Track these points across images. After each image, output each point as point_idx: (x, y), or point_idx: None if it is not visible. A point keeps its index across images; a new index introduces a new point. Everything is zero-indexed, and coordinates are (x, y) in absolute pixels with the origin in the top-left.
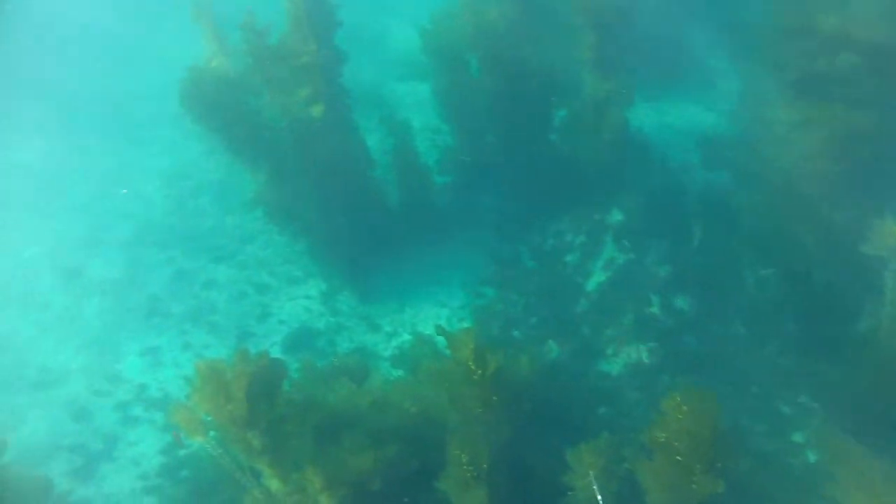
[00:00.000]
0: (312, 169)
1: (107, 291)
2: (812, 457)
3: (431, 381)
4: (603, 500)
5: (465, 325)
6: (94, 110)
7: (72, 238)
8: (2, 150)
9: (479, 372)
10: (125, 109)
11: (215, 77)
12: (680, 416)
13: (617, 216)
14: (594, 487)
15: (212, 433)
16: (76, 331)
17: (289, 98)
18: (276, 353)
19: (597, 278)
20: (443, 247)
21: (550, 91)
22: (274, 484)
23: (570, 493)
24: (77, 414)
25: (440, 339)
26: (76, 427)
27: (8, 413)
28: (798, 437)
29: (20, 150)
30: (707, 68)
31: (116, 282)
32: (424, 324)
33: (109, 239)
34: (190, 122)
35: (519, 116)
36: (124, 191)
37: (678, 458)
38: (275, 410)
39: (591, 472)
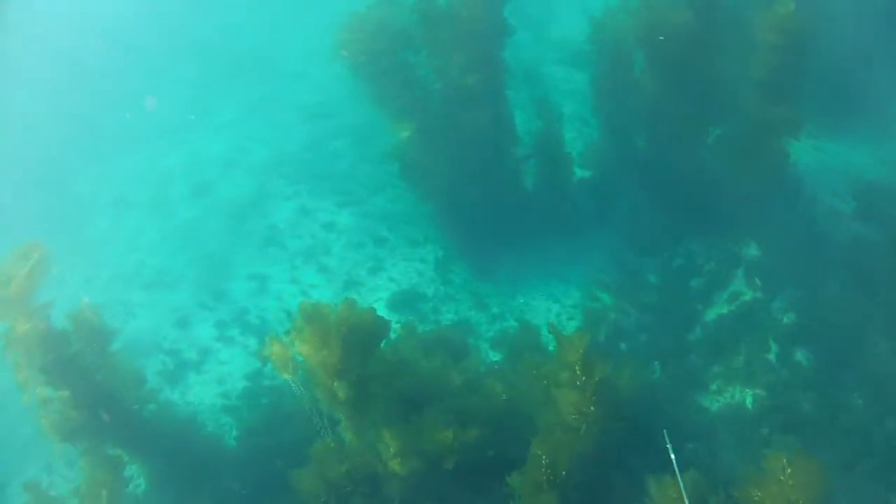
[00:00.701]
0: (456, 135)
1: (230, 212)
2: None
3: (529, 375)
4: None
5: (574, 324)
6: (250, 42)
7: (209, 156)
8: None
9: (584, 379)
10: (281, 43)
11: (375, 25)
12: (782, 480)
13: (753, 250)
14: None
15: (300, 372)
16: (194, 243)
17: (447, 61)
18: (380, 308)
19: (718, 309)
20: (568, 241)
21: (711, 105)
22: (348, 436)
23: None
24: (180, 321)
25: (546, 334)
26: (177, 333)
27: (122, 306)
28: None
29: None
30: (884, 114)
31: (241, 205)
32: (533, 314)
33: (243, 163)
34: (342, 65)
35: (673, 125)
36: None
37: None
38: (367, 366)
39: None
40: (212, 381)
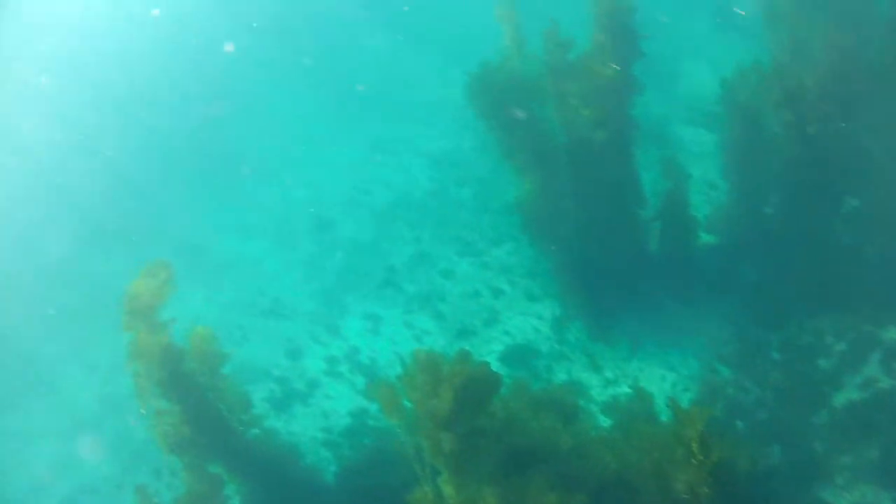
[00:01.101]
0: (581, 190)
1: (350, 251)
2: None
3: (640, 446)
4: None
5: (689, 396)
6: (382, 83)
7: (333, 194)
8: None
9: (700, 458)
10: (412, 87)
11: (505, 76)
12: None
13: (892, 334)
14: None
15: (406, 418)
16: (314, 277)
17: (574, 115)
18: (493, 361)
19: (848, 394)
20: (689, 308)
21: (849, 174)
22: (448, 489)
23: None
24: (292, 352)
25: (660, 403)
26: (287, 363)
27: (238, 330)
28: None
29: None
30: None
31: (361, 245)
32: (648, 381)
33: (366, 203)
34: (470, 114)
35: (807, 193)
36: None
37: None
38: (476, 421)
39: None
40: (317, 413)
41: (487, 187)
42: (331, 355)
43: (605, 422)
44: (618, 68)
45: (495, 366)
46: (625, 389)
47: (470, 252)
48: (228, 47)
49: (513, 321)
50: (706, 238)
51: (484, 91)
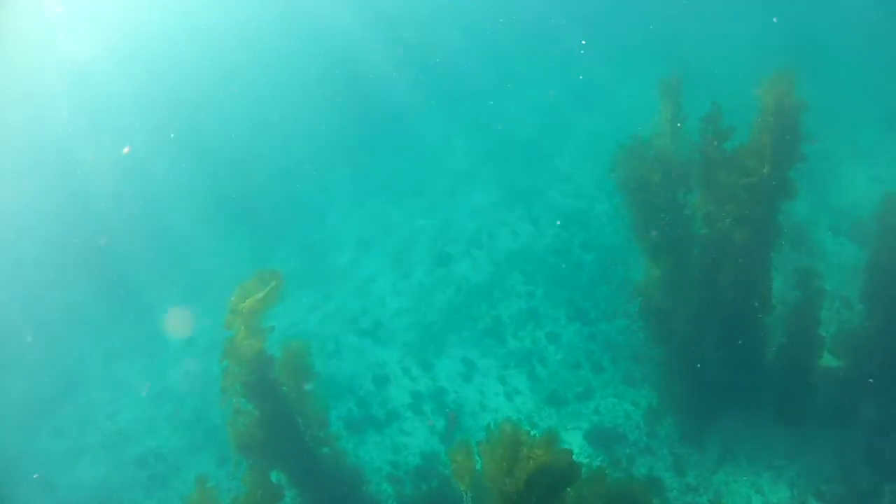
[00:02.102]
0: (708, 286)
1: (461, 290)
2: None
3: None
4: None
5: None
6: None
7: (458, 230)
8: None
9: None
10: (558, 140)
11: (655, 154)
12: None
13: None
14: None
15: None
16: (419, 308)
17: (718, 208)
18: (577, 437)
19: None
20: (794, 431)
21: None
22: None
23: None
24: (380, 377)
25: None
26: (372, 387)
27: (333, 342)
28: None
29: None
30: None
31: (474, 287)
32: (731, 498)
33: (488, 247)
34: (612, 178)
35: None
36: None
37: None
38: None
39: None
40: (388, 445)
41: (612, 258)
42: (417, 391)
43: None
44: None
45: (578, 443)
46: (704, 501)
47: (580, 319)
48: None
49: (606, 401)
50: (829, 360)
51: (629, 162)
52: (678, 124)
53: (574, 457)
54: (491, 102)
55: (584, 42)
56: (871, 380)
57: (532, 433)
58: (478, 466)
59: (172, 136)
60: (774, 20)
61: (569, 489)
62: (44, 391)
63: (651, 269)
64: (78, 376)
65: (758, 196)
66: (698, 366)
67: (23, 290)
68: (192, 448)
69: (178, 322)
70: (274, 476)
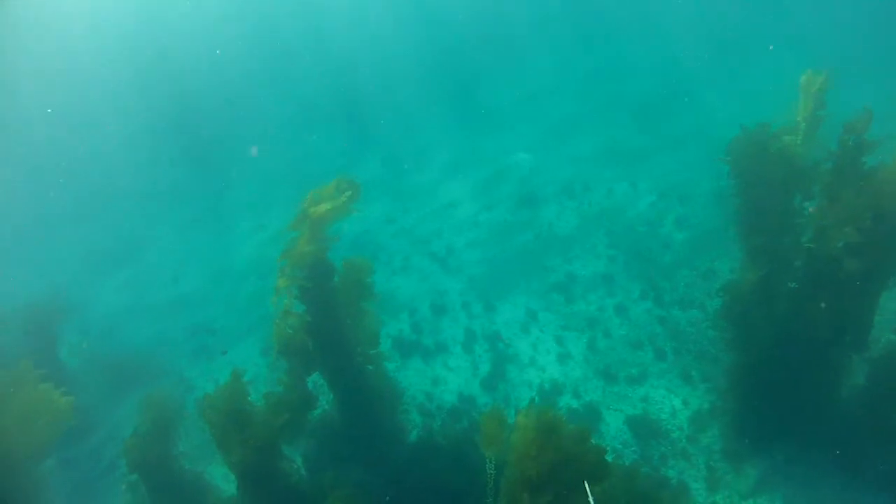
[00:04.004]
0: (803, 303)
1: (540, 237)
2: None
3: None
4: None
5: None
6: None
7: (551, 175)
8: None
9: None
10: (677, 109)
11: (778, 150)
12: None
13: None
14: None
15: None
16: (495, 244)
17: (835, 228)
18: (618, 420)
19: None
20: (849, 480)
21: None
22: None
23: None
24: (438, 307)
25: None
26: (428, 314)
27: (402, 258)
28: None
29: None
30: None
31: (555, 237)
32: None
33: (580, 199)
34: (726, 161)
35: None
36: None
37: None
38: (564, 499)
39: None
40: (429, 376)
41: (703, 243)
42: (471, 329)
43: None
44: None
45: (617, 426)
46: None
47: (654, 299)
48: None
49: (657, 392)
50: None
51: (749, 150)
52: (815, 124)
53: (607, 443)
54: (619, 51)
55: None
56: None
57: (569, 424)
58: (507, 437)
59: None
60: None
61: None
62: (116, 247)
63: (745, 270)
64: (150, 238)
65: (886, 228)
66: (766, 385)
67: (113, 156)
68: (241, 330)
69: (253, 205)
70: (310, 382)
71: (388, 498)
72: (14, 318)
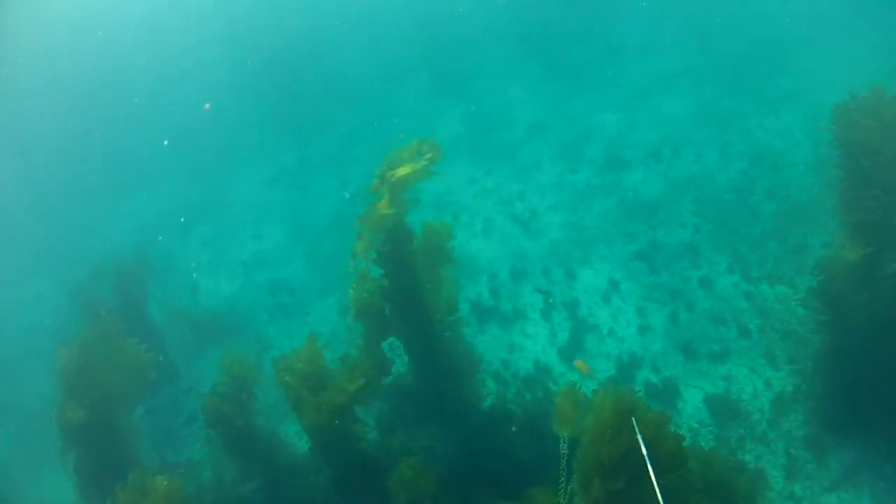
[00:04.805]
0: None
1: (625, 202)
2: None
3: None
4: None
5: None
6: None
7: (639, 136)
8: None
9: None
10: (774, 70)
11: (888, 115)
12: None
13: None
14: None
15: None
16: (578, 207)
17: None
18: (695, 397)
19: None
20: None
21: None
22: None
23: None
24: (517, 272)
25: None
26: (509, 279)
27: (483, 221)
28: None
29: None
30: None
31: (640, 202)
32: None
33: (668, 163)
34: (828, 129)
35: None
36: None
37: None
38: (636, 486)
39: None
40: (505, 343)
41: (796, 215)
42: (552, 295)
43: None
44: None
45: (694, 405)
46: None
47: (741, 273)
48: None
49: (739, 370)
50: None
51: (858, 117)
52: None
53: (683, 420)
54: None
55: None
56: None
57: (647, 407)
58: (582, 416)
59: None
60: None
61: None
62: (202, 203)
63: (844, 248)
64: (232, 194)
65: None
66: (858, 372)
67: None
68: (321, 289)
69: (334, 161)
70: (386, 346)
71: (457, 465)
72: (104, 274)
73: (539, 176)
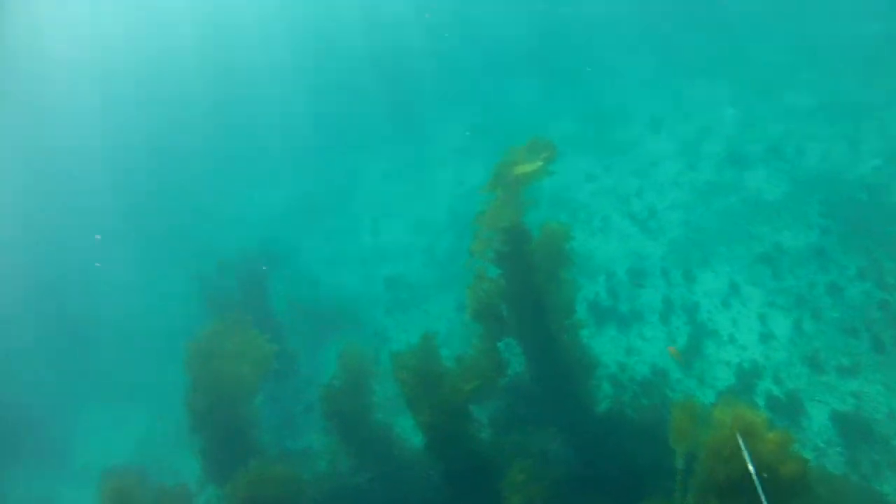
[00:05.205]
0: None
1: (747, 202)
2: None
3: None
4: None
5: None
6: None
7: (763, 131)
8: None
9: None
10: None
11: None
12: None
13: None
14: None
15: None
16: (697, 206)
17: None
18: (822, 412)
19: None
20: None
21: None
22: None
23: None
24: (636, 271)
25: None
26: (626, 279)
27: (601, 219)
28: None
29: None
30: None
31: (763, 202)
32: None
33: (793, 162)
34: None
35: None
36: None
37: None
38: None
39: None
40: (623, 346)
41: None
42: (670, 298)
43: None
44: None
45: (821, 422)
46: None
47: (874, 280)
48: None
49: (872, 388)
50: None
51: None
52: None
53: (808, 438)
54: None
55: None
56: None
57: (769, 427)
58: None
59: None
60: None
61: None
62: (325, 198)
63: None
64: (353, 190)
65: None
66: None
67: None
68: (438, 285)
69: (453, 157)
70: (501, 345)
71: (570, 470)
72: (230, 267)
73: (657, 173)
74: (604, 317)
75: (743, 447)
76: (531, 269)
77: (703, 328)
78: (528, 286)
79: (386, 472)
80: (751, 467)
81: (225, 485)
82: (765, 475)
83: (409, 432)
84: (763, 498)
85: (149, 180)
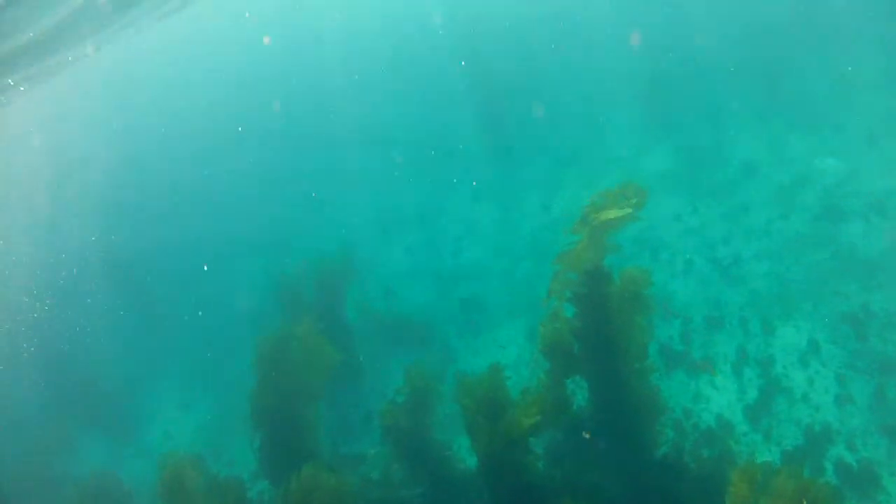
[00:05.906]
0: None
1: (838, 257)
2: None
3: None
4: None
5: None
6: None
7: (863, 184)
8: None
9: None
10: None
11: None
12: None
13: None
14: None
15: None
16: (783, 259)
17: None
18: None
19: None
20: None
21: None
22: None
23: None
24: (713, 319)
25: None
26: (701, 325)
27: (683, 261)
28: None
29: None
30: None
31: (855, 258)
32: None
33: (893, 217)
34: None
35: None
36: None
37: None
38: None
39: None
40: (691, 392)
41: None
42: (745, 349)
43: None
44: None
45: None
46: None
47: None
48: None
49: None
50: None
51: None
52: None
53: None
54: None
55: None
56: None
57: (837, 491)
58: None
59: None
60: None
61: None
62: (410, 212)
63: None
64: (438, 207)
65: None
66: None
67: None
68: (511, 311)
69: (541, 183)
70: (568, 381)
71: None
72: (308, 274)
73: (747, 219)
74: (675, 361)
75: None
76: (607, 312)
77: (777, 383)
78: (603, 329)
79: (437, 488)
80: None
81: (277, 482)
82: None
83: (464, 452)
84: None
85: (239, 182)
